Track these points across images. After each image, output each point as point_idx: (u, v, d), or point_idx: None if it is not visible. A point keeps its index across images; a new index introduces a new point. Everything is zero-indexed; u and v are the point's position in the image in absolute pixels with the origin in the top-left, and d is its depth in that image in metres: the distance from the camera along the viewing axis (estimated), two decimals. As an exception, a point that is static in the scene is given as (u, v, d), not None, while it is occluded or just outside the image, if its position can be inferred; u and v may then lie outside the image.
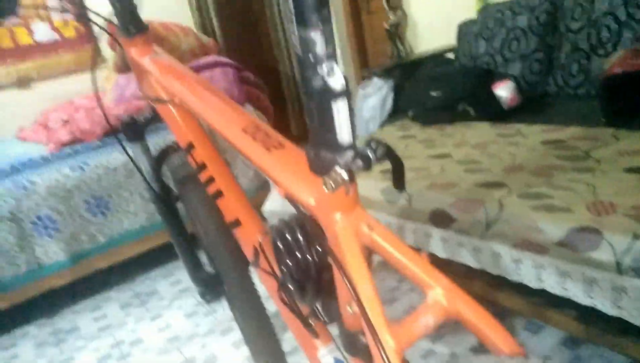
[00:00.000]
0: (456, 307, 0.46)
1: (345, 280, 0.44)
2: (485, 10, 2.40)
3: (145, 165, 1.00)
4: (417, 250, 0.47)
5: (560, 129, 1.55)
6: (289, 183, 0.50)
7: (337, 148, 0.40)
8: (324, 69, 0.37)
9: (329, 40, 0.36)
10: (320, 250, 0.53)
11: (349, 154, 0.40)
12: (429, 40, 2.91)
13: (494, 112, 1.90)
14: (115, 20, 0.88)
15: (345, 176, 0.40)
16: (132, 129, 0.97)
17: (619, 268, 0.88)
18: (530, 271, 1.05)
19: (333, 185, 0.39)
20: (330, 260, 0.50)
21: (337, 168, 0.40)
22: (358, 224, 0.46)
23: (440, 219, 1.23)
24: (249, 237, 0.79)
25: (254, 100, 2.69)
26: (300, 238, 0.54)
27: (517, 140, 1.56)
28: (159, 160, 0.99)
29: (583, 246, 0.94)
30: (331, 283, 0.54)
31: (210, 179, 0.83)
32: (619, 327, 0.97)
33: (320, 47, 0.36)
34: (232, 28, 3.42)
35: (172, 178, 1.02)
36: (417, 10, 2.93)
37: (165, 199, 1.03)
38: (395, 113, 2.40)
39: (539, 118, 1.79)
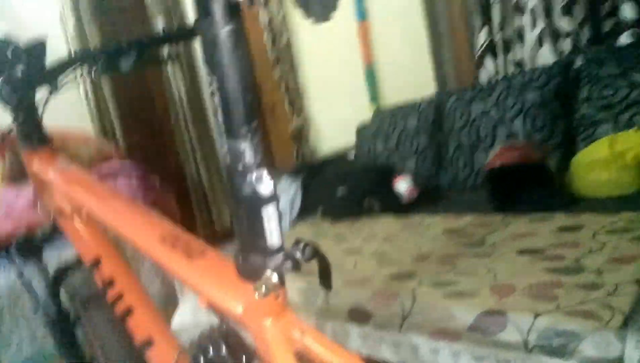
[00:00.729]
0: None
1: None
2: (379, 113, 2.64)
3: (40, 287, 0.91)
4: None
5: (458, 218, 1.68)
6: (214, 291, 0.48)
7: (267, 251, 0.40)
8: (253, 177, 0.38)
9: (257, 150, 0.38)
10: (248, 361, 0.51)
11: (279, 257, 0.40)
12: (331, 141, 3.09)
13: (396, 206, 2.02)
14: (15, 130, 0.84)
15: (276, 279, 0.40)
16: (27, 246, 0.89)
17: (526, 347, 0.93)
18: (448, 360, 1.07)
19: (264, 290, 0.39)
20: None
21: (268, 272, 0.40)
22: (289, 330, 0.46)
23: (358, 315, 1.23)
24: (163, 358, 0.73)
25: (158, 206, 2.61)
26: (225, 352, 0.52)
27: (421, 231, 1.65)
28: (57, 280, 0.91)
29: (492, 329, 0.99)
30: None
31: (119, 297, 0.77)
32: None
33: (249, 157, 0.38)
34: (135, 131, 3.38)
35: (71, 299, 0.93)
36: (319, 114, 3.13)
37: (62, 324, 0.93)
38: (305, 211, 2.46)
39: (437, 209, 1.93)
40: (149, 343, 0.75)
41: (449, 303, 1.09)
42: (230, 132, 0.37)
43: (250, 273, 0.42)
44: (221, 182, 3.80)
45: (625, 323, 0.85)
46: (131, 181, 2.46)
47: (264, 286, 0.40)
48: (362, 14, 2.79)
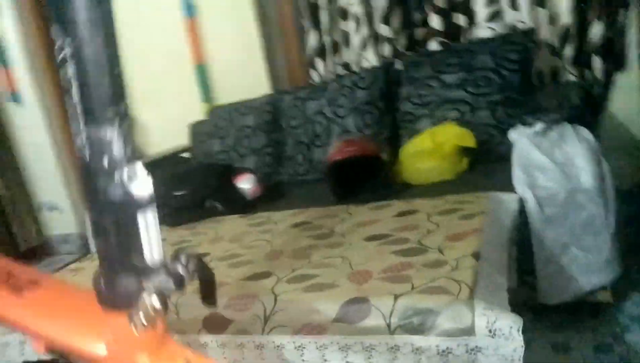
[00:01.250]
0: None
1: None
2: (214, 111, 2.53)
3: None
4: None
5: (303, 212, 1.69)
6: (59, 330, 0.36)
7: (145, 270, 0.30)
8: (124, 174, 0.28)
9: (128, 139, 0.28)
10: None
11: (161, 275, 0.31)
12: (161, 142, 2.86)
13: (240, 205, 1.96)
14: None
15: (157, 304, 0.31)
16: None
17: (389, 329, 0.96)
18: (314, 354, 1.05)
19: (144, 320, 0.29)
20: None
21: (147, 296, 0.30)
22: (166, 355, 0.37)
23: (215, 324, 1.14)
24: None
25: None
26: None
27: (270, 227, 1.62)
28: None
29: (356, 317, 1.00)
30: None
31: None
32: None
33: (118, 148, 0.28)
34: None
35: None
36: (145, 114, 2.87)
37: None
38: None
39: (281, 204, 1.93)
40: None
41: (311, 297, 1.08)
42: (91, 116, 0.27)
43: (122, 300, 0.32)
44: (21, 191, 3.26)
45: (472, 295, 0.94)
46: None
47: (142, 316, 0.30)
48: (190, 10, 2.65)
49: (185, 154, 2.62)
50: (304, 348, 1.05)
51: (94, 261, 1.66)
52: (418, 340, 0.93)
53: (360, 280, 1.09)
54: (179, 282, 0.32)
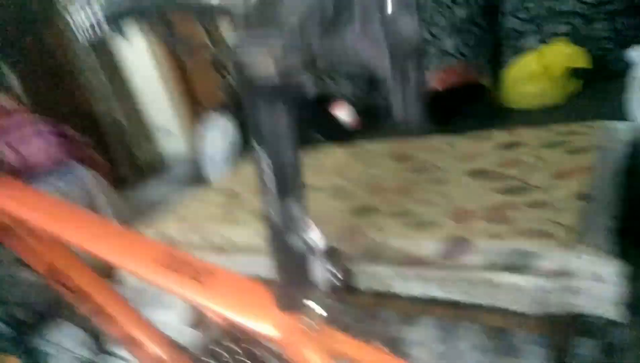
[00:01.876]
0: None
1: None
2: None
3: None
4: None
5: (403, 143, 1.72)
6: (238, 315, 0.47)
7: (310, 285, 0.39)
8: (302, 230, 0.37)
9: (304, 205, 0.37)
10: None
11: (323, 291, 0.40)
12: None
13: (339, 134, 2.03)
14: None
15: (320, 311, 0.40)
16: None
17: (489, 268, 1.02)
18: (417, 286, 1.14)
19: (309, 325, 0.39)
20: None
21: (312, 305, 0.40)
22: (333, 351, 0.45)
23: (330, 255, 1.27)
24: (150, 356, 0.71)
25: (81, 159, 2.40)
26: (243, 356, 0.52)
27: (369, 159, 1.68)
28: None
29: (457, 255, 1.06)
30: None
31: (85, 298, 0.72)
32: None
33: (297, 213, 0.36)
34: (33, 80, 3.03)
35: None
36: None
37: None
38: (246, 147, 2.40)
39: (379, 134, 1.96)
40: (130, 342, 0.72)
41: (414, 233, 1.15)
42: (281, 192, 0.35)
43: (291, 305, 0.41)
44: (137, 116, 3.59)
45: (576, 239, 0.95)
46: (41, 135, 2.22)
47: (313, 323, 0.40)
48: None
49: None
50: (408, 279, 1.15)
51: (211, 191, 1.85)
52: (517, 279, 0.98)
53: (461, 219, 1.14)
54: (339, 293, 0.41)
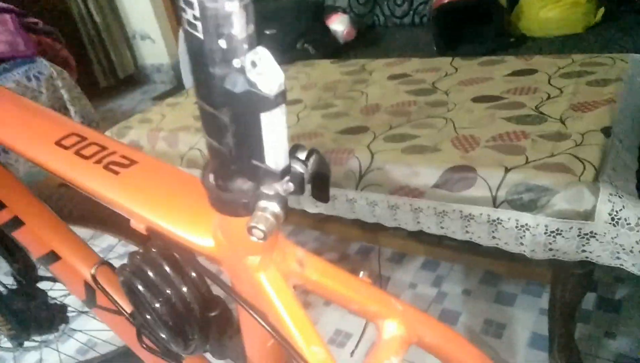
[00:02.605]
0: (417, 333, 0.37)
1: (276, 336, 0.31)
2: (306, -63, 2.25)
3: None
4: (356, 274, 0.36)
5: (401, 62, 1.56)
6: (161, 217, 0.33)
7: (265, 174, 0.25)
8: (246, 60, 0.21)
9: (250, 14, 0.20)
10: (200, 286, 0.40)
11: (284, 181, 0.25)
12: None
13: (332, 48, 1.84)
14: None
15: (277, 210, 0.26)
16: None
17: (494, 202, 0.91)
18: (408, 216, 1.04)
19: (264, 231, 0.25)
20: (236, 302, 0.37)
21: (263, 204, 0.26)
22: (285, 264, 0.33)
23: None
24: (74, 271, 0.59)
25: (47, 51, 2.19)
26: (172, 273, 0.40)
27: (364, 77, 1.52)
28: None
29: (459, 186, 0.94)
30: (224, 320, 0.42)
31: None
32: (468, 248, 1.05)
33: (239, 26, 0.20)
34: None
35: None
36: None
37: None
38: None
39: (375, 51, 1.79)
40: (52, 257, 0.59)
41: (410, 159, 1.02)
42: None
43: (237, 206, 0.27)
44: (116, 19, 3.29)
45: (597, 176, 0.84)
46: (6, 23, 1.99)
47: (261, 225, 0.25)
48: None
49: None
50: (398, 208, 1.04)
51: (188, 98, 1.68)
52: (525, 217, 0.87)
53: (465, 146, 1.01)
54: (300, 184, 0.27)
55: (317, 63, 1.75)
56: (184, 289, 0.44)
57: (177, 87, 3.02)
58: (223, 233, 0.31)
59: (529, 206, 0.87)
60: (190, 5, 0.19)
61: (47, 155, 0.38)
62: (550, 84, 1.18)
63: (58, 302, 0.97)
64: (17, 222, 0.59)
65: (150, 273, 0.44)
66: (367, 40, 1.92)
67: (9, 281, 0.92)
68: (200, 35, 0.20)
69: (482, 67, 1.38)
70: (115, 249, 1.53)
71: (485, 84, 1.27)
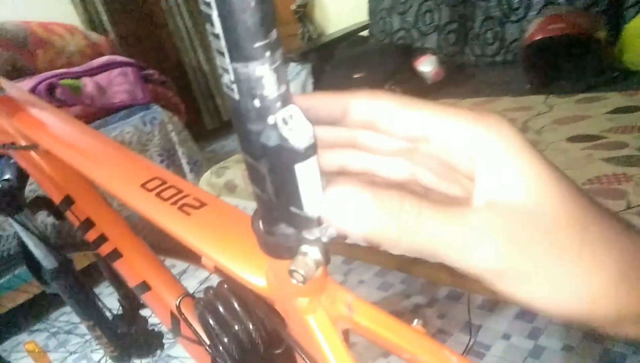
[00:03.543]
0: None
1: None
2: (395, -17, 2.32)
3: (32, 240, 0.79)
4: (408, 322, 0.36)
5: (492, 101, 1.52)
6: (224, 257, 0.36)
7: (303, 221, 0.26)
8: (278, 118, 0.23)
9: (281, 75, 0.22)
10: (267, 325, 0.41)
11: (321, 228, 0.27)
12: (339, 19, 2.80)
13: (420, 89, 1.85)
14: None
15: (318, 256, 0.27)
16: (7, 197, 0.73)
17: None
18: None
19: (304, 275, 0.26)
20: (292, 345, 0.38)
21: (304, 248, 0.27)
22: (334, 307, 0.34)
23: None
24: (162, 301, 0.64)
25: (161, 98, 2.44)
26: (240, 310, 0.42)
27: (451, 117, 1.50)
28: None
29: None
30: (287, 358, 0.44)
31: (101, 239, 0.66)
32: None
33: (270, 88, 0.22)
34: (125, 22, 3.10)
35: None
36: (324, -11, 2.80)
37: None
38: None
39: (465, 91, 1.76)
40: (145, 287, 0.65)
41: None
42: (237, 50, 0.21)
43: (280, 250, 0.28)
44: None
45: None
46: (127, 75, 2.26)
47: (301, 270, 0.26)
48: None
49: (365, 33, 2.52)
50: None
51: (237, 163, 1.73)
52: None
53: (557, 189, 0.95)
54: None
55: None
56: (250, 325, 0.46)
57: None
58: (273, 275, 0.33)
59: (631, 256, 0.79)
60: (227, 71, 0.21)
61: (132, 195, 0.43)
62: (658, 122, 1.08)
63: (156, 329, 1.05)
64: (116, 254, 0.66)
65: (221, 308, 0.48)
66: (457, 81, 1.90)
67: (115, 305, 1.02)
68: (236, 96, 0.22)
69: (579, 104, 1.31)
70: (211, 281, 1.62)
71: (582, 123, 1.19)
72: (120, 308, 1.01)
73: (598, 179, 0.94)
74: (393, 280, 1.60)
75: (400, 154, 0.23)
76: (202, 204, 0.41)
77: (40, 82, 1.93)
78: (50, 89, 1.94)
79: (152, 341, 1.05)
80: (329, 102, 0.23)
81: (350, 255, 1.52)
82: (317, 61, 2.37)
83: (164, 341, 1.05)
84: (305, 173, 0.24)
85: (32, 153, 0.66)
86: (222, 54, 0.21)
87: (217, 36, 0.20)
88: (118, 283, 0.93)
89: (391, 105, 0.22)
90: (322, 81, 2.23)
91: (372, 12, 2.41)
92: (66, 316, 1.98)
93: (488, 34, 1.98)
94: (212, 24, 0.20)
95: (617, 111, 1.20)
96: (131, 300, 0.98)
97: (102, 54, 2.49)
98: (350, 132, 0.24)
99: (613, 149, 1.03)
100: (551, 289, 0.19)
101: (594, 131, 1.13)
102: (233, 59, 0.21)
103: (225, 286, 0.43)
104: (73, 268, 0.87)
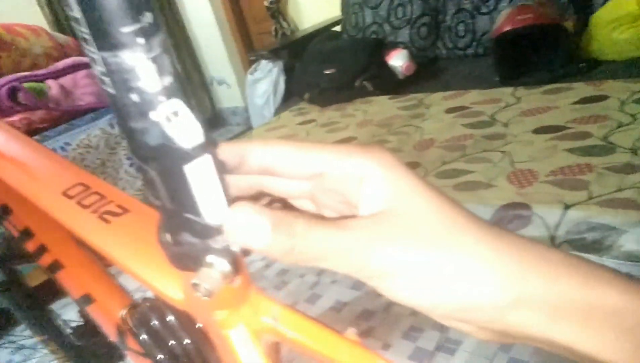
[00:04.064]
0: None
1: None
2: (366, -23, 2.30)
3: None
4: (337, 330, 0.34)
5: (460, 94, 1.51)
6: (141, 270, 0.33)
7: (204, 229, 0.23)
8: (160, 114, 0.20)
9: (162, 66, 0.19)
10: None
11: (224, 237, 0.24)
12: (312, 14, 2.78)
13: (391, 84, 1.83)
14: None
15: (225, 267, 0.24)
16: None
17: (552, 243, 0.83)
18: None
19: (208, 288, 0.23)
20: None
21: (210, 259, 0.24)
22: (256, 319, 0.31)
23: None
24: (108, 313, 0.61)
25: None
26: (175, 324, 0.39)
27: (421, 111, 1.49)
28: None
29: (513, 225, 0.87)
30: None
31: (40, 249, 0.62)
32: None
33: (148, 80, 0.19)
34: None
35: None
36: (296, -16, 2.77)
37: None
38: (289, 96, 2.25)
39: (436, 84, 1.75)
40: (87, 299, 0.62)
41: (462, 196, 0.97)
42: (102, 37, 0.18)
43: (187, 262, 0.26)
44: (195, 66, 3.53)
45: (674, 212, 0.74)
46: (94, 77, 2.20)
47: (206, 283, 0.24)
48: None
49: (338, 28, 2.50)
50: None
51: (251, 139, 1.73)
52: (588, 259, 0.78)
53: (522, 182, 0.94)
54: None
55: (375, 100, 1.75)
56: (186, 340, 0.43)
57: (251, 129, 3.15)
58: (186, 290, 0.30)
59: (592, 248, 0.78)
60: (95, 62, 0.18)
61: (53, 204, 0.40)
62: (622, 111, 1.08)
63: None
64: (57, 265, 0.62)
65: (155, 322, 0.44)
66: (428, 74, 1.89)
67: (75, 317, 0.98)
68: (111, 90, 0.19)
69: (546, 95, 1.30)
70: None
71: (548, 114, 1.18)
72: (81, 319, 0.97)
73: (561, 170, 0.93)
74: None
75: (303, 196, 0.25)
76: (125, 211, 0.38)
77: (1, 86, 1.87)
78: (13, 93, 1.88)
79: (112, 353, 1.02)
80: (226, 151, 0.24)
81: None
82: (289, 58, 2.34)
83: (124, 353, 1.02)
84: (197, 176, 0.22)
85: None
86: (86, 41, 0.18)
87: (77, 21, 0.17)
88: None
89: (285, 150, 0.23)
90: (293, 78, 2.20)
91: (344, 6, 2.39)
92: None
93: (459, 27, 1.97)
94: (69, 7, 0.17)
95: (583, 101, 1.19)
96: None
97: (69, 56, 2.43)
98: (256, 179, 0.26)
99: (577, 139, 1.02)
100: (426, 285, 0.20)
101: (559, 121, 1.12)
102: (100, 47, 0.18)
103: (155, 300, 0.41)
104: (21, 280, 0.83)
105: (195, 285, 0.24)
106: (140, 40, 0.17)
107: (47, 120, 1.95)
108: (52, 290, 1.03)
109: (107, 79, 0.18)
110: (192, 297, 0.30)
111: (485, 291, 0.20)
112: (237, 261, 0.25)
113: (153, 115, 0.19)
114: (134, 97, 0.19)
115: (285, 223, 0.21)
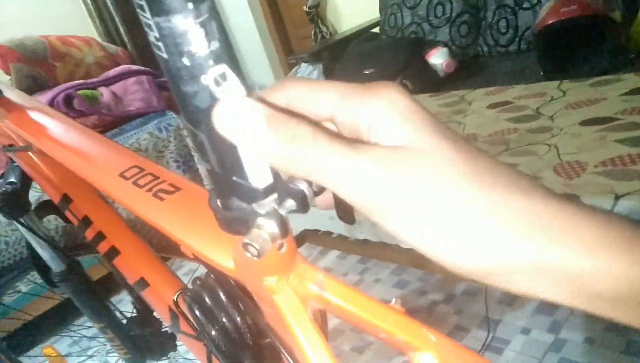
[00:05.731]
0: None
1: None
2: (404, -23, 2.30)
3: (39, 243, 0.79)
4: (386, 301, 0.34)
5: (503, 90, 1.48)
6: (195, 240, 0.35)
7: (252, 193, 0.25)
8: (209, 78, 0.21)
9: (211, 31, 0.21)
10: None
11: (273, 198, 0.25)
12: (351, 17, 2.79)
13: (432, 82, 1.82)
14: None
15: (274, 229, 0.25)
16: (12, 200, 0.74)
17: (603, 234, 0.80)
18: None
19: (258, 248, 0.25)
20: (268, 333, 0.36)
21: (260, 221, 0.25)
22: (303, 286, 0.33)
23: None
24: (161, 298, 0.64)
25: (175, 106, 2.47)
26: (225, 300, 0.41)
27: (463, 108, 1.47)
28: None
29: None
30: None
31: (99, 237, 0.66)
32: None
33: (198, 44, 0.20)
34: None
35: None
36: (334, -12, 2.80)
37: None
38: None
39: (477, 81, 1.73)
40: (143, 283, 0.65)
41: (506, 189, 0.96)
42: (156, 3, 0.20)
43: (237, 225, 0.27)
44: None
45: None
46: (142, 83, 2.30)
47: (256, 244, 0.25)
48: None
49: (377, 30, 2.50)
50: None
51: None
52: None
53: (569, 173, 0.92)
54: (301, 202, 0.26)
55: (416, 98, 1.74)
56: (236, 315, 0.45)
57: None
58: (238, 254, 0.32)
59: (646, 238, 0.75)
60: (150, 28, 0.20)
61: (111, 185, 0.43)
62: (676, 101, 1.04)
63: (169, 331, 1.06)
64: (114, 251, 0.66)
65: (207, 299, 0.47)
66: (469, 72, 1.87)
67: (130, 308, 1.03)
68: (164, 55, 0.21)
69: (593, 88, 1.26)
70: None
71: (596, 106, 1.15)
72: (135, 310, 1.02)
73: (611, 161, 0.90)
74: (409, 277, 1.58)
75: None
76: (177, 189, 0.40)
77: (58, 94, 1.98)
78: (68, 100, 1.99)
79: (165, 342, 1.06)
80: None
81: (366, 254, 1.51)
82: (329, 60, 2.37)
83: (177, 342, 1.06)
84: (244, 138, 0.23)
85: (30, 154, 0.67)
86: (142, 8, 0.20)
87: None
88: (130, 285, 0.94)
89: (297, 93, 0.23)
90: (333, 79, 2.22)
91: (382, 8, 2.40)
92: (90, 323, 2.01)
93: (501, 23, 1.94)
94: None
95: (633, 92, 1.15)
96: (144, 302, 0.99)
97: (119, 65, 2.54)
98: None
99: (628, 130, 0.99)
100: (437, 230, 0.19)
101: (608, 113, 1.09)
102: (154, 13, 0.20)
103: (212, 275, 0.43)
104: (81, 270, 0.88)
105: (245, 245, 0.25)
106: (190, 5, 0.19)
107: (100, 125, 2.05)
108: (110, 286, 1.09)
109: (160, 44, 0.20)
110: (243, 263, 0.32)
111: (500, 256, 0.18)
112: (284, 225, 0.27)
113: (203, 78, 0.21)
114: (185, 60, 0.20)
115: (283, 123, 0.20)
